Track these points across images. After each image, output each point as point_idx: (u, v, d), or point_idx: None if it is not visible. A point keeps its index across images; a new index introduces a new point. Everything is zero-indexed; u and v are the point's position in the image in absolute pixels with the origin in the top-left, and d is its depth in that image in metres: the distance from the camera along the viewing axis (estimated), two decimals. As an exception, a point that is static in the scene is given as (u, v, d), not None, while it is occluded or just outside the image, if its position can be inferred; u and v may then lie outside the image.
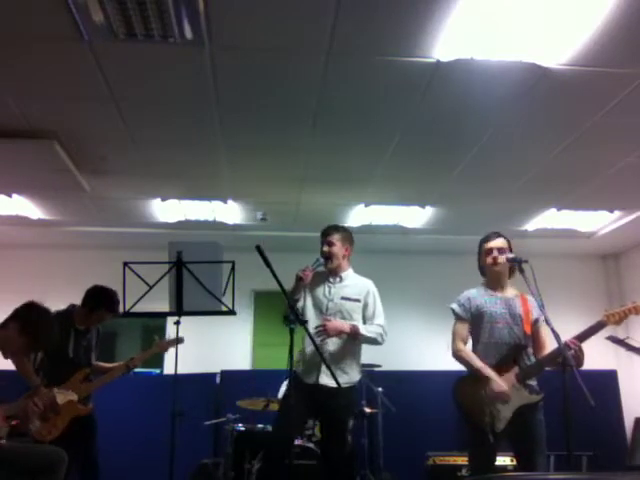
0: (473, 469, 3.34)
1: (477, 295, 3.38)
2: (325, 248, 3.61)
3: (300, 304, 3.54)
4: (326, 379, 3.39)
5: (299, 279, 3.42)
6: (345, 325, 3.44)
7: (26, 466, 3.06)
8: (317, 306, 3.56)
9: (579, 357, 3.06)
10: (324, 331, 3.37)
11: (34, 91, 3.49)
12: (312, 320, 3.49)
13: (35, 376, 3.75)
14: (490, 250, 3.35)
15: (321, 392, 3.42)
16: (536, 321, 3.29)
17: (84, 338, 4.05)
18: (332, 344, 3.46)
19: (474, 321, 3.33)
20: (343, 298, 3.55)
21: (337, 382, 3.05)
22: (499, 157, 4.49)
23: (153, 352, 4.20)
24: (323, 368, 3.36)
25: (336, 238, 3.64)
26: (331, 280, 3.62)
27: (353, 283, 3.64)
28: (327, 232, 3.68)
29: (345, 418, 3.61)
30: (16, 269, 6.49)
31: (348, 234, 3.74)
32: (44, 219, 5.84)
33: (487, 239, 3.40)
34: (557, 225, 6.14)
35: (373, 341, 3.53)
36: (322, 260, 3.55)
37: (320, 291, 3.60)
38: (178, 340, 3.80)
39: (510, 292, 3.37)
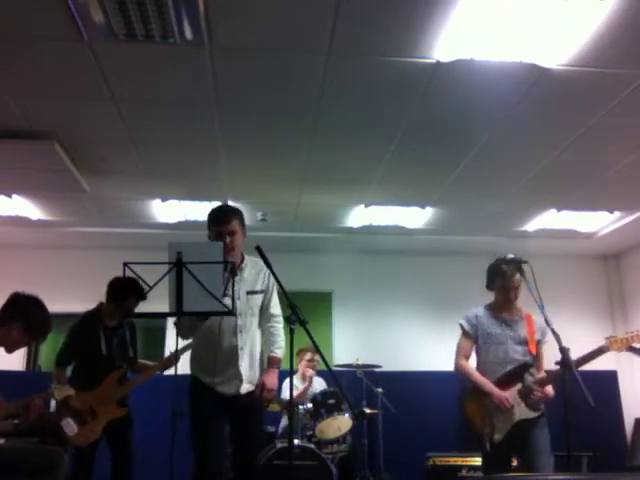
0: (485, 471, 3.59)
1: (483, 315, 3.49)
2: (227, 240, 3.00)
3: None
4: (247, 386, 3.08)
5: None
6: (275, 374, 3.13)
7: (26, 466, 3.06)
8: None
9: (537, 402, 3.28)
10: (270, 392, 3.07)
11: (34, 91, 3.49)
12: (222, 324, 3.06)
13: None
14: (507, 289, 3.39)
15: (241, 400, 3.06)
16: (539, 342, 3.43)
17: (115, 334, 4.01)
18: (249, 346, 3.12)
19: (478, 340, 3.47)
20: (249, 292, 3.13)
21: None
22: (499, 158, 4.49)
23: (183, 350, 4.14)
24: (244, 376, 3.06)
25: (236, 224, 3.06)
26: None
27: (253, 272, 3.16)
28: (225, 219, 3.04)
29: (263, 420, 3.40)
30: (16, 269, 6.48)
31: (242, 215, 3.16)
32: (44, 219, 5.84)
33: (503, 275, 3.38)
34: (557, 225, 6.13)
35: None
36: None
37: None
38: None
39: (516, 313, 3.48)
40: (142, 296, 3.75)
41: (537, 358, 3.43)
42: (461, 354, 3.50)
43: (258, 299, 3.20)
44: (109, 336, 3.97)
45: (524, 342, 3.39)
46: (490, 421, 3.32)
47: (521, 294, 3.44)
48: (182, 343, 4.11)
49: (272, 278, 3.19)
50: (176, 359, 4.03)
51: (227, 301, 2.97)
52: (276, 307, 3.25)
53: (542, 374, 3.38)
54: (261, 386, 3.06)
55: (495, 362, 3.39)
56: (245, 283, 3.16)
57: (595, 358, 3.15)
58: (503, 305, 3.46)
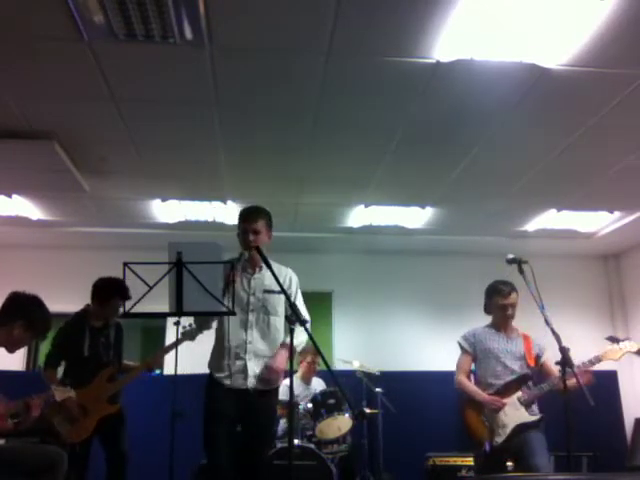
0: (479, 472, 3.72)
1: (482, 332, 3.70)
2: (251, 237, 3.14)
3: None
4: (255, 382, 3.12)
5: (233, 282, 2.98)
6: (283, 355, 3.11)
7: (26, 466, 3.06)
8: (237, 302, 3.03)
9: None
10: (275, 374, 3.13)
11: (34, 91, 3.49)
12: (232, 318, 3.10)
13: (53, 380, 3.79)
14: (505, 307, 3.59)
15: (250, 396, 3.10)
16: (538, 356, 3.62)
17: (102, 335, 4.01)
18: (260, 342, 3.17)
19: (478, 356, 3.67)
20: (266, 291, 3.21)
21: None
22: (499, 158, 4.49)
23: (168, 350, 4.16)
24: (251, 371, 3.11)
25: (262, 224, 3.19)
26: (249, 271, 3.24)
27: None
28: (252, 217, 3.19)
29: (273, 422, 3.45)
30: (16, 269, 6.48)
31: (270, 217, 3.28)
32: (44, 220, 5.83)
33: (500, 293, 3.59)
34: (557, 226, 6.13)
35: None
36: (246, 255, 3.15)
37: (238, 284, 3.15)
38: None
39: (513, 332, 3.69)
40: (126, 296, 3.79)
41: (543, 368, 3.59)
42: (461, 371, 3.71)
43: (276, 299, 3.23)
44: (95, 336, 3.98)
45: (522, 357, 3.58)
46: (490, 426, 3.47)
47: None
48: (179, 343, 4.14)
49: (295, 284, 3.33)
50: (161, 358, 4.06)
51: (243, 295, 3.16)
52: (303, 309, 3.23)
53: (555, 374, 3.38)
54: (267, 367, 3.13)
55: (494, 375, 3.56)
56: (262, 280, 3.23)
57: (590, 367, 3.28)
58: (501, 323, 3.65)
